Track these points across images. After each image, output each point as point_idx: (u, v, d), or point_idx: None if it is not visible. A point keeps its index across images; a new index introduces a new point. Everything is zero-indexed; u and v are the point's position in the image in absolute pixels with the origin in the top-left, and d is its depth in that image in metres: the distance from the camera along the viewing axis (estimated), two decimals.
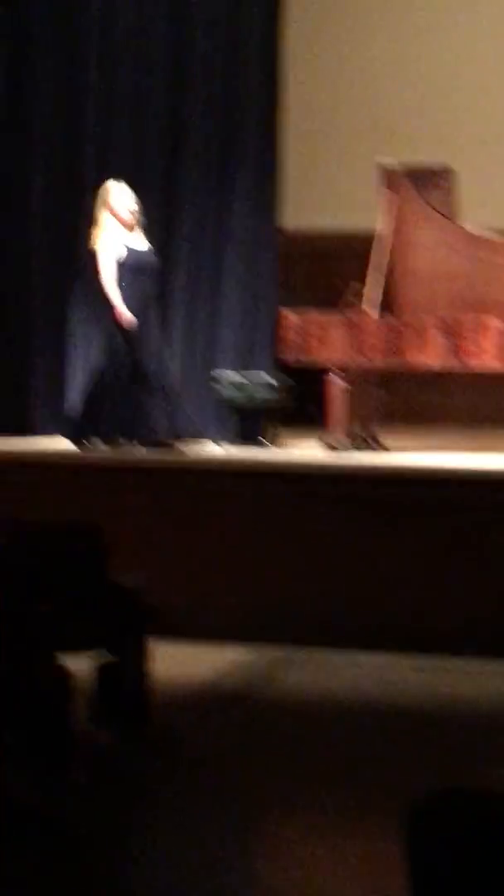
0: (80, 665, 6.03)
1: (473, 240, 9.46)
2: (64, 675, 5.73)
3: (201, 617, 8.36)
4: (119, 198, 9.16)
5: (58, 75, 10.07)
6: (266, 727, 6.87)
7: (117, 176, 9.35)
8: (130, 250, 9.13)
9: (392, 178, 9.52)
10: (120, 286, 9.09)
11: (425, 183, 9.54)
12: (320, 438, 9.28)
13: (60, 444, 9.48)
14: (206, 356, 9.96)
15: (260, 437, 9.52)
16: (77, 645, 6.00)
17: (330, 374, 9.16)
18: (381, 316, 9.16)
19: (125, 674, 6.20)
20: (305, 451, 9.38)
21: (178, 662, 7.61)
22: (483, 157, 11.88)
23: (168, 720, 6.69)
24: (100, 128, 10.07)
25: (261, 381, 9.62)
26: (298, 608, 8.31)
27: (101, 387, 9.25)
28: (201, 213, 9.96)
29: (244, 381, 9.61)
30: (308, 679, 7.70)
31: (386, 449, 9.45)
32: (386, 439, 9.57)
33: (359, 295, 9.24)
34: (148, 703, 6.40)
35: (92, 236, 9.17)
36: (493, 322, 9.02)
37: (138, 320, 9.11)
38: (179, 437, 9.21)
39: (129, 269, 9.11)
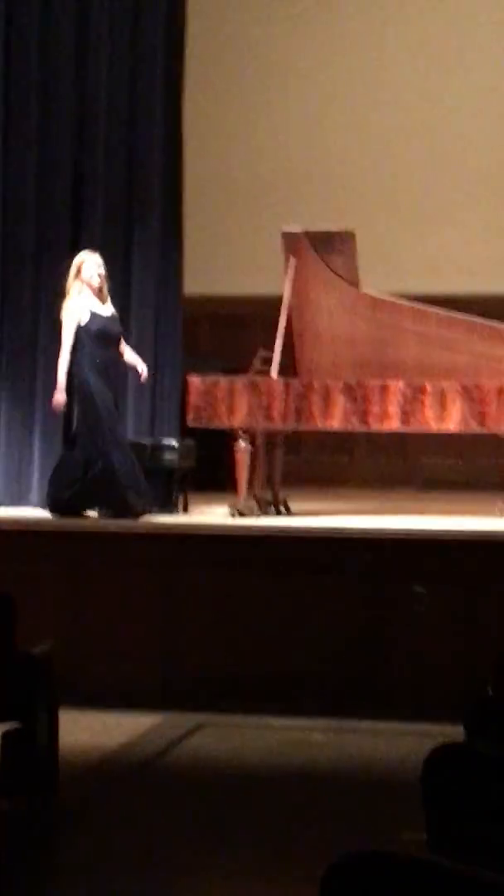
0: None
1: (375, 303, 9.58)
2: None
3: (110, 684, 8.32)
4: (89, 266, 9.14)
5: None
6: (177, 793, 6.84)
7: (89, 247, 9.38)
8: (95, 316, 9.09)
9: (295, 244, 9.62)
10: (82, 352, 9.05)
11: (328, 248, 9.64)
12: (229, 503, 9.30)
13: None
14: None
15: (169, 502, 9.50)
16: None
17: (237, 438, 9.20)
18: (285, 379, 9.22)
19: (34, 742, 6.16)
20: (213, 515, 9.39)
21: (87, 730, 7.57)
22: (385, 220, 12.04)
23: (78, 788, 6.65)
24: (2, 197, 10.08)
25: (162, 444, 9.63)
26: (208, 673, 8.30)
27: (67, 459, 9.29)
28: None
29: (145, 444, 9.61)
30: (219, 744, 7.68)
31: (292, 512, 9.51)
32: (292, 502, 9.62)
33: (267, 361, 9.30)
34: (57, 771, 6.36)
35: (61, 306, 9.14)
36: (397, 385, 9.12)
37: (97, 387, 9.06)
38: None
39: (93, 335, 9.07)
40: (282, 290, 9.52)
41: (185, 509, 9.55)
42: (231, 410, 9.18)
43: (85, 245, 9.90)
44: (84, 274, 9.10)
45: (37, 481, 9.80)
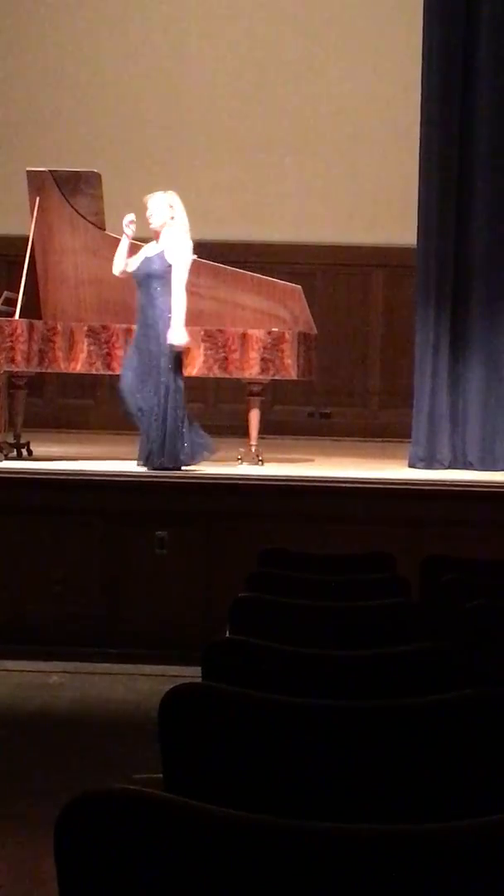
0: None
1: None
2: None
3: None
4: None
5: None
6: None
7: None
8: None
9: (40, 183, 9.51)
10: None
11: (74, 188, 9.56)
12: None
13: None
14: None
15: None
16: None
17: None
18: (30, 321, 9.12)
19: None
20: None
21: None
22: (130, 165, 12.01)
23: None
24: None
25: None
26: None
27: None
28: None
29: None
30: None
31: (34, 455, 9.44)
32: (35, 445, 9.54)
33: (11, 302, 9.19)
34: None
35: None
36: None
37: None
38: None
39: None
40: (27, 230, 9.40)
41: None
42: None
43: None
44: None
45: None
